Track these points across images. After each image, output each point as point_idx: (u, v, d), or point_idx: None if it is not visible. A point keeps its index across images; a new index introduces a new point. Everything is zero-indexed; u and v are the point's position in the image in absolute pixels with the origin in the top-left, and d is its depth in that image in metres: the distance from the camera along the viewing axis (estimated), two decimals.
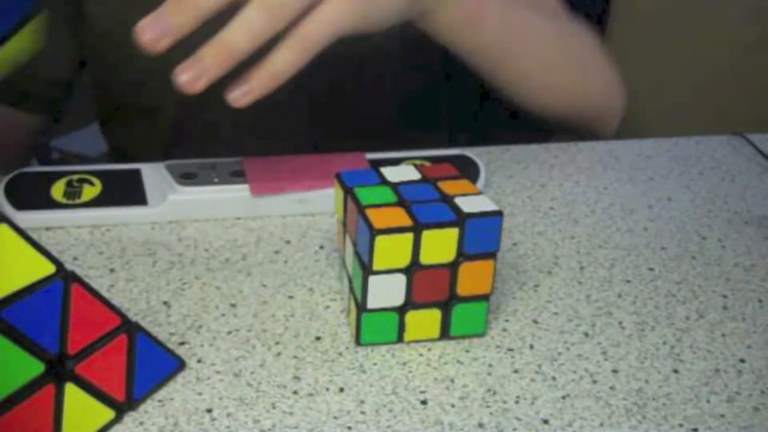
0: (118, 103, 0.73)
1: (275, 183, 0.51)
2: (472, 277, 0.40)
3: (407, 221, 0.38)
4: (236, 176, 0.52)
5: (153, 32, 0.42)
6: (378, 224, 0.37)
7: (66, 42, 0.68)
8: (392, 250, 0.38)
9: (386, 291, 0.39)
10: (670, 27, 1.12)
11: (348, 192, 0.41)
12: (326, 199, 0.52)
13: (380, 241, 0.37)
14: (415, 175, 0.42)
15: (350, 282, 0.41)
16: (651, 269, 0.48)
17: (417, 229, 0.38)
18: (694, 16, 1.11)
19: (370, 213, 0.38)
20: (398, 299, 0.39)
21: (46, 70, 0.68)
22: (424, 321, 0.40)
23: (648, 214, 0.55)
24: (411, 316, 0.40)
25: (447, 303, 0.40)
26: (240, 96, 0.44)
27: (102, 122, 0.78)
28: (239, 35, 0.42)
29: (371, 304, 0.39)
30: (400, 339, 0.41)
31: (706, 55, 1.12)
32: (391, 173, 0.42)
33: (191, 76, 0.42)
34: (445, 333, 0.41)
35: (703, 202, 0.56)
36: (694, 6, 1.11)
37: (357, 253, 0.39)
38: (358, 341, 0.40)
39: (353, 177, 0.42)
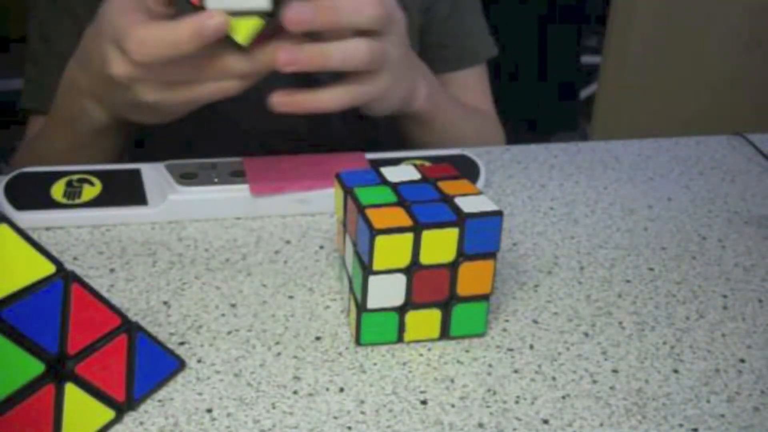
0: None
1: (275, 183, 0.51)
2: (472, 277, 0.40)
3: (407, 221, 0.38)
4: (236, 176, 0.52)
5: (288, 56, 0.48)
6: (378, 224, 0.37)
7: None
8: (392, 250, 0.38)
9: (386, 291, 0.39)
10: (670, 27, 1.12)
11: (348, 192, 0.41)
12: (326, 199, 0.52)
13: (380, 241, 0.37)
14: (415, 175, 0.42)
15: (350, 282, 0.41)
16: (651, 269, 0.48)
17: (417, 229, 0.38)
18: (694, 17, 1.11)
19: (370, 213, 0.38)
20: (398, 299, 0.39)
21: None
22: (424, 321, 0.40)
23: (648, 214, 0.55)
24: (411, 316, 0.40)
25: (447, 303, 0.40)
26: (281, 103, 0.50)
27: None
28: (338, 56, 0.49)
29: (371, 304, 0.39)
30: (400, 339, 0.41)
31: (706, 56, 1.12)
32: (391, 173, 0.42)
33: (288, 58, 0.48)
34: (445, 333, 0.41)
35: (703, 202, 0.56)
36: (694, 6, 1.11)
37: (357, 253, 0.39)
38: (358, 341, 0.40)
39: (353, 177, 0.42)
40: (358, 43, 0.49)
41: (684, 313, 0.45)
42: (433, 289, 0.40)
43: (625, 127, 1.16)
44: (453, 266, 0.39)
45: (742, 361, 0.41)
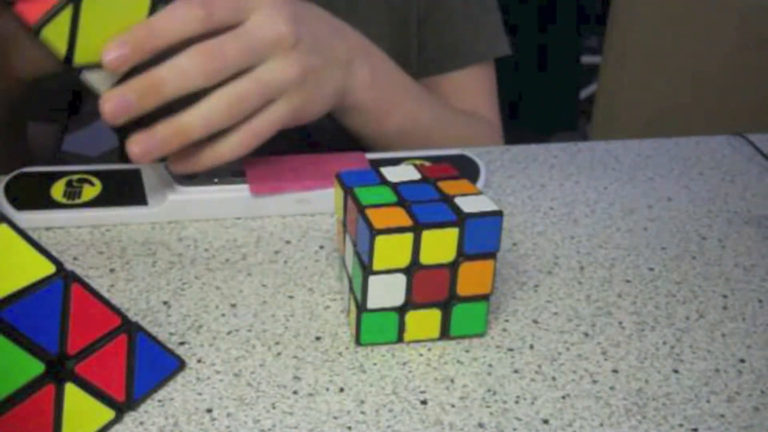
0: None
1: (275, 183, 0.51)
2: (472, 277, 0.40)
3: (407, 221, 0.38)
4: (236, 176, 0.52)
5: (114, 105, 0.44)
6: (378, 224, 0.37)
7: None
8: (392, 250, 0.38)
9: (386, 291, 0.39)
10: (670, 27, 1.12)
11: (348, 192, 0.41)
12: (326, 199, 0.52)
13: (380, 241, 0.37)
14: (415, 175, 0.42)
15: (350, 282, 0.41)
16: (651, 269, 0.48)
17: (417, 229, 0.38)
18: (693, 16, 1.11)
19: (370, 213, 0.38)
20: (398, 299, 0.39)
21: (55, 78, 0.69)
22: (424, 321, 0.40)
23: (648, 214, 0.55)
24: (411, 316, 0.40)
25: (447, 303, 0.40)
26: (178, 165, 0.49)
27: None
28: (197, 122, 0.46)
29: (371, 304, 0.39)
30: (400, 339, 0.41)
31: (707, 55, 1.12)
32: (391, 173, 0.42)
33: (143, 149, 0.46)
34: (445, 333, 0.41)
35: (703, 202, 0.56)
36: (694, 6, 1.11)
37: (357, 253, 0.39)
38: (358, 341, 0.40)
39: (353, 177, 0.42)
40: (210, 101, 0.46)
41: (684, 313, 0.45)
42: (433, 289, 0.40)
43: (625, 127, 1.16)
44: (453, 266, 0.39)
45: (742, 361, 0.41)
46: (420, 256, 0.38)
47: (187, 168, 0.49)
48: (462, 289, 0.40)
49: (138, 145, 0.45)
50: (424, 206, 0.39)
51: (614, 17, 1.12)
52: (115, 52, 0.44)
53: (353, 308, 0.41)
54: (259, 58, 0.48)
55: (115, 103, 0.44)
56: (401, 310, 0.40)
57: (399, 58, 0.64)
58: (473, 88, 0.75)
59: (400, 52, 0.69)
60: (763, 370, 0.40)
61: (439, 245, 0.38)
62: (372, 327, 0.40)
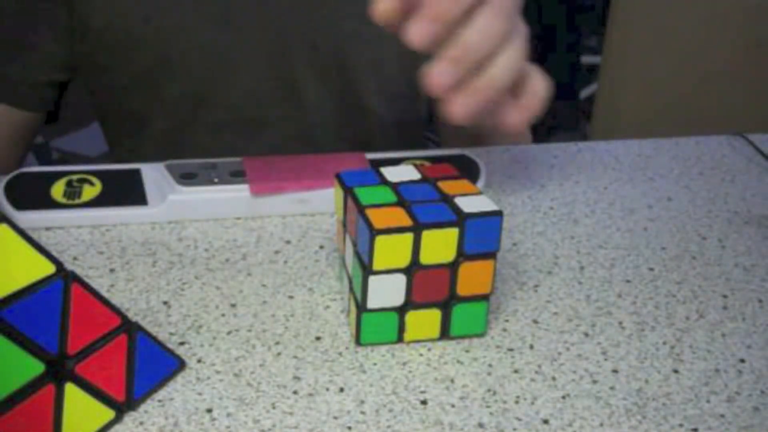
0: (111, 107, 0.73)
1: (275, 183, 0.51)
2: (472, 277, 0.40)
3: (407, 221, 0.38)
4: (236, 176, 0.52)
5: (440, 79, 0.44)
6: (378, 224, 0.37)
7: (59, 45, 0.68)
8: (392, 250, 0.38)
9: (386, 291, 0.39)
10: (670, 27, 1.12)
11: (348, 192, 0.41)
12: (326, 199, 0.52)
13: (380, 241, 0.37)
14: (415, 175, 0.42)
15: (350, 282, 0.41)
16: (651, 269, 0.48)
17: (417, 229, 0.38)
18: (694, 16, 1.11)
19: (370, 213, 0.38)
20: (398, 299, 0.39)
21: (37, 71, 0.69)
22: (424, 321, 0.40)
23: (648, 214, 0.55)
24: (411, 316, 0.40)
25: (447, 303, 0.40)
26: (460, 108, 0.45)
27: (101, 124, 0.78)
28: (501, 70, 0.45)
29: (371, 304, 0.39)
30: (400, 339, 0.41)
31: (707, 55, 1.12)
32: (391, 173, 0.42)
33: (441, 81, 0.44)
34: (445, 333, 0.41)
35: (703, 202, 0.56)
36: (694, 6, 1.11)
37: (357, 253, 0.39)
38: (358, 341, 0.40)
39: (353, 177, 0.42)
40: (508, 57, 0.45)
41: (684, 313, 0.45)
42: (433, 289, 0.40)
43: (625, 127, 1.16)
44: (453, 266, 0.39)
45: (742, 361, 0.41)
46: (420, 256, 0.38)
47: (469, 108, 0.46)
48: (462, 289, 0.40)
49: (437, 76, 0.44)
50: (424, 206, 0.39)
51: (614, 17, 1.12)
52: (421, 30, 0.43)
53: (353, 308, 0.41)
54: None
55: (440, 77, 0.44)
56: (401, 310, 0.40)
57: None
58: None
59: None
60: (763, 370, 0.40)
61: (439, 245, 0.38)
62: (372, 327, 0.40)
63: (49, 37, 0.68)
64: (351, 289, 0.41)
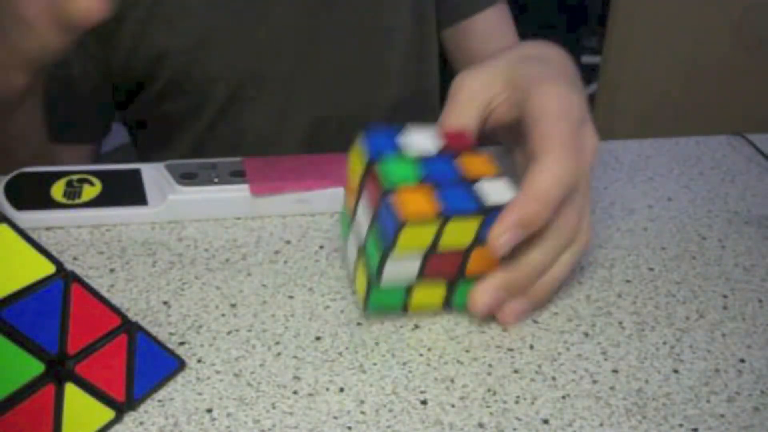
0: (142, 117, 0.74)
1: (275, 183, 0.51)
2: (482, 260, 0.40)
3: (433, 209, 0.38)
4: (236, 176, 0.52)
5: (488, 302, 0.41)
6: (407, 212, 0.37)
7: (97, 62, 0.69)
8: (416, 238, 0.38)
9: (401, 271, 0.40)
10: (670, 27, 1.12)
11: (371, 164, 0.41)
12: (326, 199, 0.52)
13: (407, 231, 0.38)
14: (436, 145, 0.42)
15: (361, 248, 0.41)
16: (651, 269, 0.48)
17: (443, 219, 0.38)
18: (693, 17, 1.11)
19: (398, 198, 0.38)
20: (410, 278, 0.40)
21: (82, 94, 0.69)
22: (430, 293, 0.41)
23: (648, 214, 0.55)
24: (418, 289, 0.41)
25: (454, 280, 0.41)
26: (508, 316, 0.42)
27: (129, 130, 0.79)
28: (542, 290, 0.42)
29: (385, 283, 0.40)
30: (404, 309, 0.42)
31: (707, 55, 1.12)
32: (413, 141, 0.42)
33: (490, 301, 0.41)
34: (448, 303, 0.42)
35: (703, 202, 0.56)
36: (694, 6, 1.11)
37: (376, 230, 0.40)
38: (365, 308, 0.41)
39: (377, 141, 0.42)
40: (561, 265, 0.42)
41: (684, 313, 0.45)
42: (444, 269, 0.40)
43: (625, 127, 1.16)
44: (467, 250, 0.40)
45: (742, 361, 0.41)
46: (439, 243, 0.39)
47: (519, 315, 0.43)
48: (471, 269, 0.40)
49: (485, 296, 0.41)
50: (449, 191, 0.39)
51: (614, 17, 1.12)
52: (488, 296, 0.41)
53: (362, 276, 0.41)
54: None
55: (489, 299, 0.41)
56: (410, 285, 0.41)
57: (421, 11, 0.69)
58: (498, 28, 0.79)
59: (420, 2, 0.74)
60: (763, 370, 0.40)
61: (460, 233, 0.39)
62: (381, 298, 0.41)
63: (91, 71, 0.69)
64: (361, 256, 0.41)
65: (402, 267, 0.39)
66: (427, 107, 0.79)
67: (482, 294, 0.41)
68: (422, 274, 0.40)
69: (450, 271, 0.41)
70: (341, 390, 0.38)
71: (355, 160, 0.43)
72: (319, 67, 0.71)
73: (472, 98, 0.45)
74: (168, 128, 0.73)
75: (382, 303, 0.41)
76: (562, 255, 0.42)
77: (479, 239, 0.39)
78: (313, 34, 0.70)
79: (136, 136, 0.78)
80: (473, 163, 0.41)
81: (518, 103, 0.44)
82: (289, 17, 0.69)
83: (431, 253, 0.39)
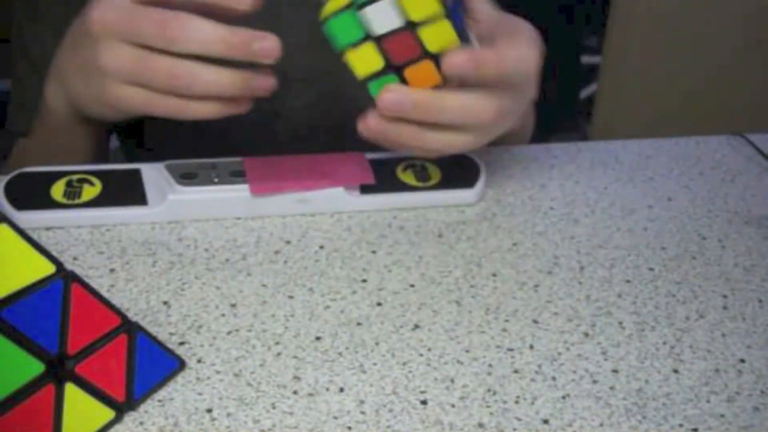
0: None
1: (275, 183, 0.51)
2: (423, 73, 0.44)
3: None
4: (236, 176, 0.52)
5: (391, 102, 0.45)
6: None
7: None
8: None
9: (377, 19, 0.43)
10: (670, 27, 1.12)
11: None
12: (326, 199, 0.52)
13: None
14: None
15: None
16: (651, 269, 0.48)
17: None
18: (693, 17, 1.11)
19: None
20: (375, 32, 0.43)
21: None
22: (370, 59, 0.44)
23: (648, 214, 0.55)
24: (367, 47, 0.44)
25: (392, 67, 0.44)
26: (367, 126, 0.46)
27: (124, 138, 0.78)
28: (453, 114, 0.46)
29: (362, 15, 0.43)
30: (343, 52, 0.44)
31: (707, 55, 1.12)
32: None
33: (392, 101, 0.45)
34: (369, 80, 0.45)
35: (703, 202, 0.56)
36: (694, 6, 1.11)
37: None
38: (324, 18, 0.43)
39: None
40: (480, 103, 0.46)
41: (684, 313, 0.45)
42: (396, 50, 0.44)
43: (625, 127, 1.16)
44: (424, 51, 0.44)
45: (742, 361, 0.41)
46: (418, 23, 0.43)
47: (372, 133, 0.47)
48: (410, 77, 0.45)
49: (392, 93, 0.45)
50: None
51: (614, 17, 1.12)
52: (396, 97, 0.45)
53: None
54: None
55: (393, 100, 0.45)
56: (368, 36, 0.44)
57: None
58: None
59: None
60: (763, 370, 0.40)
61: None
62: (342, 24, 0.43)
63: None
64: None
65: (381, 16, 0.42)
66: None
67: (395, 92, 0.44)
68: (382, 39, 0.43)
69: (398, 57, 0.44)
70: (341, 390, 0.38)
71: None
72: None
73: None
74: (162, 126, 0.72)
75: (338, 28, 0.43)
76: (467, 133, 0.47)
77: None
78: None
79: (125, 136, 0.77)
80: None
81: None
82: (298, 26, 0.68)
83: (403, 30, 0.43)
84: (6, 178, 0.51)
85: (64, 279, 0.33)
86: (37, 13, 0.68)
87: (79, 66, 0.50)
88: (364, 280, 0.46)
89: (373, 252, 0.49)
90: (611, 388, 0.39)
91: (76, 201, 0.50)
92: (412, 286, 0.46)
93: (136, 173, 0.53)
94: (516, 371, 0.40)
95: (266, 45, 0.44)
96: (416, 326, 0.42)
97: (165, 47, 0.46)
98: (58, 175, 0.52)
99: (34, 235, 0.32)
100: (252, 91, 0.47)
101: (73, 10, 0.60)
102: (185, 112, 0.48)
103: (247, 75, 0.46)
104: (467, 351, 0.41)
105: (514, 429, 0.36)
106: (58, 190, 0.51)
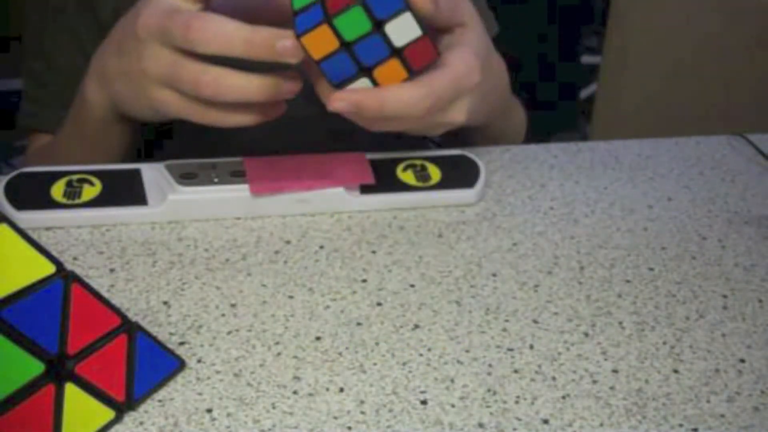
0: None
1: (275, 183, 0.51)
2: (389, 72, 0.45)
3: None
4: (236, 176, 0.52)
5: (343, 104, 0.46)
6: None
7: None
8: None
9: None
10: (670, 27, 1.12)
11: None
12: (326, 199, 0.52)
13: None
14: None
15: None
16: (651, 269, 0.48)
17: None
18: (694, 17, 1.11)
19: None
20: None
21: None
22: (327, 41, 0.44)
23: (648, 214, 0.55)
24: (324, 29, 0.43)
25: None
26: (336, 100, 0.46)
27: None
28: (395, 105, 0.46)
29: None
30: (299, 35, 0.44)
31: (707, 55, 1.12)
32: None
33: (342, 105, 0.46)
34: (322, 61, 0.44)
35: (703, 202, 0.56)
36: (694, 6, 1.11)
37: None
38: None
39: None
40: (412, 97, 0.46)
41: (684, 313, 0.45)
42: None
43: (625, 127, 1.16)
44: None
45: (742, 361, 0.41)
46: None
47: (344, 107, 0.47)
48: (379, 77, 0.45)
49: (337, 101, 0.46)
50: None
51: (614, 17, 1.12)
52: (344, 103, 0.45)
53: None
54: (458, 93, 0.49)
55: (345, 101, 0.45)
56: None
57: None
58: None
59: None
60: (763, 370, 0.40)
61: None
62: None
63: (73, 57, 0.68)
64: None
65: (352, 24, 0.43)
66: None
67: (341, 101, 0.45)
68: (352, 44, 0.43)
69: (368, 60, 0.44)
70: (341, 390, 0.38)
71: None
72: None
73: None
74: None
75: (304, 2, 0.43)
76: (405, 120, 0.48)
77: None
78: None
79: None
80: None
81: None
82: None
83: (371, 33, 0.43)
84: (6, 178, 0.51)
85: (64, 279, 0.33)
86: (56, 20, 0.68)
87: (123, 69, 0.51)
88: (364, 280, 0.46)
89: (373, 252, 0.49)
90: (611, 388, 0.39)
91: (76, 201, 0.50)
92: (412, 286, 0.46)
93: (136, 173, 0.53)
94: (516, 371, 0.40)
95: (289, 44, 0.44)
96: (416, 326, 0.42)
97: (190, 49, 0.46)
98: (58, 175, 0.52)
99: (34, 235, 0.32)
100: (281, 95, 0.47)
101: (90, 18, 0.60)
102: (215, 120, 0.49)
103: (276, 79, 0.47)
104: (467, 351, 0.41)
105: (514, 429, 0.36)
106: (58, 190, 0.51)
